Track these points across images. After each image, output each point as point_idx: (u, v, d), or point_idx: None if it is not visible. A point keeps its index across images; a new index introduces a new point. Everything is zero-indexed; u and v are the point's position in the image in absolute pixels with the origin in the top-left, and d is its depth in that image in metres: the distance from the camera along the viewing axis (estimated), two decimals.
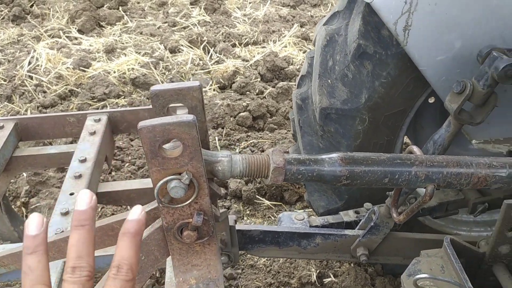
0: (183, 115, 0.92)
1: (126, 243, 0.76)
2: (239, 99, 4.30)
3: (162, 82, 4.51)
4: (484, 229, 2.59)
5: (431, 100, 2.40)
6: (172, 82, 4.53)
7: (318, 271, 2.70)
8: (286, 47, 5.09)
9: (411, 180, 1.13)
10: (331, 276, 2.66)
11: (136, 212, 0.77)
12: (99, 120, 2.70)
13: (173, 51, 5.03)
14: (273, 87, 4.51)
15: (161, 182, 0.96)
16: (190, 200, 1.01)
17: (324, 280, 2.67)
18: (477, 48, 1.76)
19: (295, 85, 4.47)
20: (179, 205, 1.02)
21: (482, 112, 1.69)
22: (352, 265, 2.69)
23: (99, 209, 3.12)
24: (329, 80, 2.17)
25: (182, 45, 5.05)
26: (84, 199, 0.75)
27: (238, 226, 2.02)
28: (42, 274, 0.71)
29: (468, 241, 1.92)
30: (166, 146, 1.02)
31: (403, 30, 1.82)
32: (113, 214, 3.14)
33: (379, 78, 2.04)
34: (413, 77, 2.02)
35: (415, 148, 1.22)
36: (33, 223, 0.72)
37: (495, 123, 2.00)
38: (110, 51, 4.97)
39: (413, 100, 2.12)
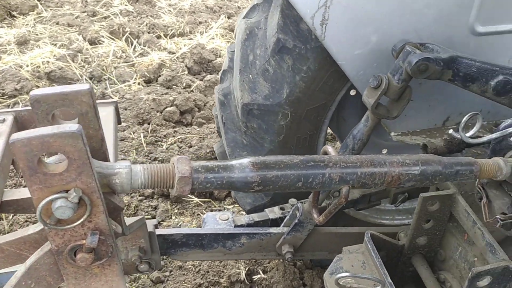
0: (66, 125, 0.81)
1: None
2: (166, 93, 4.14)
3: (81, 76, 4.25)
4: (406, 216, 2.67)
5: (353, 92, 2.42)
6: (93, 76, 4.28)
7: (247, 269, 2.66)
8: (213, 39, 4.97)
9: (325, 182, 1.10)
10: (260, 272, 2.63)
11: None
12: (4, 120, 2.45)
13: (93, 42, 4.75)
14: (201, 80, 4.39)
15: (44, 202, 0.84)
16: (82, 220, 0.90)
17: (253, 277, 2.63)
18: (392, 42, 1.76)
19: None
20: (69, 226, 0.90)
21: (398, 106, 1.71)
22: (281, 260, 2.67)
23: (10, 217, 2.87)
24: (250, 75, 2.11)
25: (102, 36, 4.78)
26: None
27: (159, 231, 1.92)
28: None
29: (389, 232, 1.95)
30: (52, 159, 0.89)
31: (320, 24, 1.78)
32: (26, 221, 2.90)
33: (300, 72, 2.00)
34: (333, 71, 2.00)
35: (329, 148, 1.19)
36: None
37: (412, 116, 2.04)
38: (22, 43, 4.59)
39: (334, 93, 2.11)
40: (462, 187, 1.69)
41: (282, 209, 2.19)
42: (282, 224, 2.07)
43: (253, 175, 1.04)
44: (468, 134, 1.32)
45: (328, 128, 2.67)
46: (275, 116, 2.12)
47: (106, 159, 1.02)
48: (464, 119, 1.29)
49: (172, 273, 2.77)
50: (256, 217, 2.16)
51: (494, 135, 1.31)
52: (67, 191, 0.86)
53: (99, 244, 0.94)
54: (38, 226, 1.04)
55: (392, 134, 2.07)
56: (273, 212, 2.18)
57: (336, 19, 1.78)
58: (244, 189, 1.06)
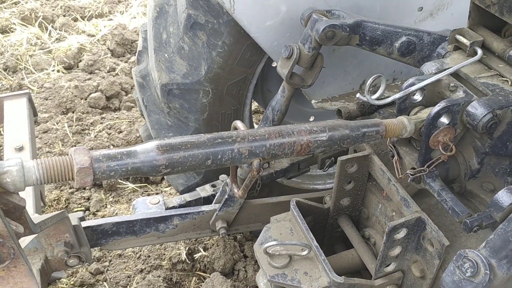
0: None
1: None
2: (89, 79, 3.96)
3: None
4: None
5: (274, 64, 2.43)
6: (7, 66, 4.01)
7: (187, 248, 2.66)
8: (135, 18, 4.79)
9: (235, 157, 1.10)
10: (201, 250, 2.65)
11: None
12: None
13: (4, 31, 4.43)
14: (125, 62, 4.24)
15: None
16: None
17: (194, 255, 2.64)
18: (301, 11, 1.77)
19: None
20: None
21: (312, 74, 1.74)
22: (221, 236, 2.69)
23: None
24: (166, 54, 2.06)
25: (14, 24, 4.46)
26: None
27: (86, 223, 1.86)
28: None
29: (316, 197, 2.02)
30: None
31: None
32: None
33: (215, 48, 1.98)
34: (249, 44, 2.00)
35: (239, 124, 1.19)
36: None
37: (330, 82, 2.09)
38: None
39: (253, 66, 2.11)
40: (379, 147, 1.77)
41: (213, 186, 2.19)
42: (214, 201, 2.07)
43: (159, 158, 1.03)
44: (374, 96, 1.37)
45: (255, 101, 2.69)
46: (196, 94, 2.09)
47: None
48: (369, 82, 1.33)
49: (111, 262, 2.72)
50: (188, 197, 2.15)
51: (397, 95, 1.37)
52: None
53: None
54: None
55: (312, 101, 2.11)
56: (204, 190, 2.18)
57: None
58: (152, 173, 1.04)
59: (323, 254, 1.51)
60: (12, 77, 3.97)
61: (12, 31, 4.42)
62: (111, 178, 1.03)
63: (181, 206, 2.11)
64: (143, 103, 2.27)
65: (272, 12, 1.82)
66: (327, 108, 2.10)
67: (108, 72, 4.11)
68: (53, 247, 1.68)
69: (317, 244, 1.55)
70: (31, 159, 1.09)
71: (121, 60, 4.30)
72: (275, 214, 1.76)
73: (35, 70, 4.03)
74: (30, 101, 2.43)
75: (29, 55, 4.16)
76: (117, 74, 4.10)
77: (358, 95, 1.39)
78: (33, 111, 2.50)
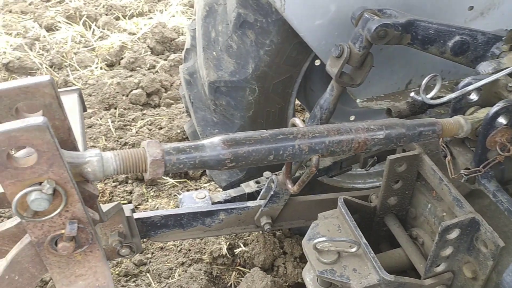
0: (31, 118, 0.80)
1: None
2: (130, 76, 4.07)
3: (41, 65, 4.11)
4: (376, 179, 2.76)
5: (317, 63, 2.44)
6: (53, 63, 4.15)
7: (228, 243, 2.71)
8: (174, 16, 4.88)
9: (296, 153, 1.13)
10: (241, 245, 2.69)
11: None
12: None
13: (50, 29, 4.59)
14: (165, 60, 4.33)
15: (18, 196, 0.85)
16: (59, 210, 0.91)
17: (235, 251, 2.69)
18: (351, 10, 1.78)
19: None
20: (46, 217, 0.91)
21: (361, 73, 1.74)
22: (260, 232, 2.73)
23: None
24: (214, 53, 2.10)
25: (59, 22, 4.62)
26: None
27: (137, 215, 1.93)
28: None
29: (361, 195, 2.02)
30: (21, 152, 0.89)
31: None
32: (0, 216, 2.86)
33: (263, 46, 2.01)
34: (296, 43, 2.02)
35: (297, 121, 1.22)
36: None
37: (376, 81, 2.09)
38: None
39: (299, 65, 2.14)
40: (428, 147, 1.76)
41: (257, 182, 2.22)
42: (259, 197, 2.11)
43: (225, 153, 1.07)
44: (429, 96, 1.37)
45: (297, 99, 2.71)
46: (243, 91, 2.13)
47: (75, 148, 1.02)
48: (424, 81, 1.34)
49: (154, 254, 2.80)
50: (232, 192, 2.19)
51: (453, 95, 1.37)
52: (40, 183, 0.87)
53: (79, 232, 0.95)
54: (15, 220, 1.04)
55: (357, 100, 2.12)
56: (249, 186, 2.21)
57: None
58: (217, 166, 1.08)
59: (372, 252, 1.52)
60: (58, 73, 4.11)
61: (58, 29, 4.57)
62: (179, 171, 1.07)
63: (226, 201, 2.15)
64: (190, 100, 2.32)
65: (321, 12, 1.83)
66: (372, 107, 2.10)
67: (149, 69, 4.21)
68: (108, 236, 1.74)
69: (366, 241, 1.56)
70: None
71: (160, 58, 4.40)
72: (318, 211, 1.78)
73: (79, 67, 4.17)
74: (80, 96, 2.51)
75: (74, 53, 4.30)
76: (157, 71, 4.19)
77: (412, 94, 1.40)
78: (83, 107, 2.59)
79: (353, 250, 1.55)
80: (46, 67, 4.10)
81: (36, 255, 0.99)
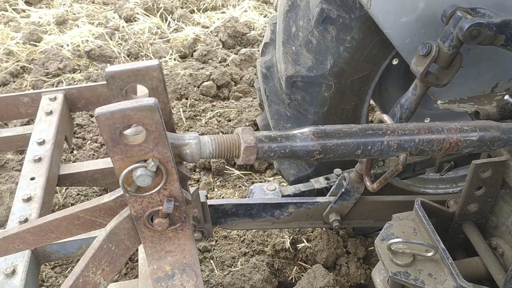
0: (143, 98, 0.86)
1: None
2: (202, 68, 4.18)
3: (119, 54, 4.33)
4: (449, 185, 2.66)
5: (395, 61, 2.39)
6: (130, 53, 4.35)
7: (291, 238, 2.73)
8: (246, 11, 4.95)
9: (384, 150, 1.12)
10: (304, 241, 2.70)
11: None
12: (55, 98, 2.56)
13: (129, 20, 4.81)
14: (236, 54, 4.40)
15: (126, 171, 0.91)
16: (159, 187, 0.96)
17: (297, 245, 2.70)
18: (441, 8, 1.73)
19: (258, 51, 4.38)
20: (147, 193, 0.97)
21: (448, 73, 1.69)
22: (324, 229, 2.72)
23: (63, 190, 3.02)
24: (293, 47, 2.12)
25: (137, 13, 4.83)
26: None
27: (210, 201, 1.99)
28: None
29: (436, 200, 1.96)
30: (127, 131, 0.95)
31: None
32: (78, 194, 3.05)
33: (344, 43, 2.00)
34: (377, 40, 1.99)
35: (385, 117, 1.20)
36: None
37: (459, 83, 2.01)
38: (61, 23, 4.70)
39: (378, 63, 2.10)
40: None
41: (327, 179, 2.22)
42: (329, 194, 2.10)
43: (314, 144, 1.08)
44: None
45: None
46: (319, 87, 2.13)
47: (174, 130, 1.07)
48: None
49: (217, 242, 2.87)
50: (302, 187, 2.20)
51: None
52: (145, 161, 0.92)
53: (174, 210, 1.00)
54: (113, 195, 1.11)
55: (438, 102, 2.05)
56: (318, 182, 2.22)
57: None
58: (306, 157, 1.09)
59: (450, 258, 1.48)
60: None
61: (136, 20, 4.79)
62: (270, 159, 1.10)
63: (295, 195, 2.16)
64: (265, 93, 2.36)
65: (408, 9, 1.79)
66: (454, 109, 2.02)
67: (220, 62, 4.30)
68: None
69: (443, 246, 1.52)
70: None
71: (231, 52, 4.48)
72: (389, 213, 1.74)
73: (154, 57, 4.33)
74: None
75: (150, 43, 4.48)
76: (227, 65, 4.28)
77: (506, 97, 1.33)
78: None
79: (429, 254, 1.52)
80: (124, 56, 4.31)
81: (132, 229, 1.06)
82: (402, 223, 1.66)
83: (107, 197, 1.13)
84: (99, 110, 0.83)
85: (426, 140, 1.15)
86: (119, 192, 1.11)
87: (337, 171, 2.21)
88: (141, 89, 1.05)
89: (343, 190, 1.99)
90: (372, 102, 3.15)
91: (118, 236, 1.06)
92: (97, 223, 1.20)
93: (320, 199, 2.08)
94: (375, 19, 1.82)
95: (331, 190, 2.10)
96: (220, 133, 3.55)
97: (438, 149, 1.17)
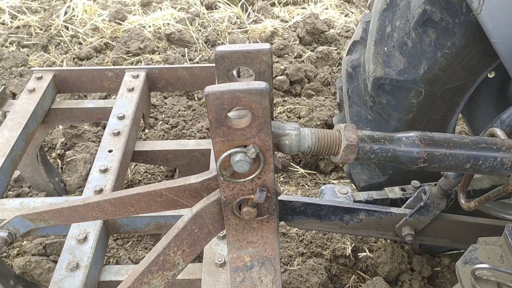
0: (254, 82, 0.82)
1: None
2: (277, 62, 4.15)
3: (197, 40, 4.39)
4: None
5: (491, 74, 2.23)
6: (208, 40, 4.40)
7: (353, 245, 2.64)
8: (327, 9, 4.86)
9: (496, 166, 1.02)
10: (366, 250, 2.60)
11: None
12: (137, 76, 2.63)
13: (210, 7, 4.87)
14: (312, 51, 4.33)
15: (225, 154, 0.88)
16: (254, 175, 0.93)
17: (358, 254, 2.61)
18: None
19: (335, 50, 4.28)
20: (241, 180, 0.93)
21: None
22: (388, 241, 2.61)
23: (132, 166, 3.10)
24: (385, 48, 2.02)
25: (219, 2, 4.88)
26: None
27: (280, 197, 1.94)
28: None
29: None
30: (230, 114, 0.92)
31: None
32: (146, 172, 3.12)
33: (443, 48, 1.87)
34: (480, 49, 1.85)
35: (498, 131, 1.10)
36: None
37: None
38: (146, 5, 4.85)
39: (476, 74, 1.96)
40: None
41: (403, 190, 2.11)
42: (404, 205, 1.99)
43: (419, 151, 1.00)
44: None
45: None
46: (408, 93, 2.02)
47: (273, 119, 1.03)
48: None
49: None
50: (375, 194, 2.10)
51: None
52: (245, 146, 0.89)
53: (264, 201, 0.96)
54: (200, 177, 1.09)
55: None
56: (393, 192, 2.11)
57: None
58: (408, 164, 1.02)
59: None
60: (211, 50, 4.35)
61: (217, 8, 4.83)
62: (370, 160, 1.03)
63: (367, 202, 2.07)
64: (348, 93, 2.27)
65: None
66: None
67: (295, 58, 4.25)
68: None
69: None
70: None
71: (307, 48, 4.41)
72: (468, 234, 1.62)
73: None
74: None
75: (228, 32, 4.51)
76: (303, 61, 4.21)
77: None
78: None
79: None
80: (201, 43, 4.37)
81: (217, 214, 1.03)
82: (489, 248, 1.53)
83: (194, 179, 1.11)
84: (209, 89, 0.81)
85: None
86: (207, 174, 1.09)
87: (415, 183, 2.09)
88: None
89: (421, 204, 1.88)
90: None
91: (202, 219, 1.04)
92: (179, 203, 1.19)
93: (394, 209, 1.98)
94: (483, 26, 1.69)
95: (407, 202, 1.99)
96: None
97: None
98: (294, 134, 0.96)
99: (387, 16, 2.02)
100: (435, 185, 1.87)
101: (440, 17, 1.82)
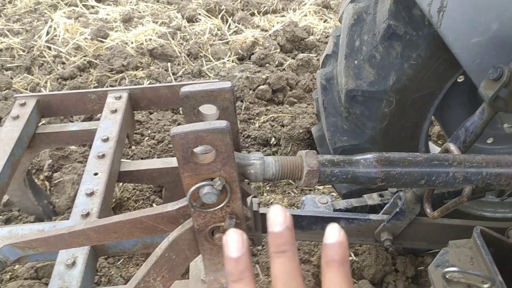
0: (216, 121, 0.89)
1: (335, 274, 0.63)
2: (258, 71, 4.22)
3: (180, 53, 4.45)
4: (509, 210, 2.55)
5: (460, 79, 2.32)
6: (191, 53, 4.46)
7: None
8: (306, 16, 4.94)
9: (449, 181, 1.10)
10: (352, 255, 2.67)
11: (334, 234, 0.64)
12: (120, 97, 2.68)
13: (191, 20, 4.93)
14: (293, 58, 4.41)
15: (194, 188, 0.95)
16: (222, 205, 1.00)
17: None
18: None
19: (315, 57, 4.37)
20: (211, 209, 1.00)
21: None
22: (385, 247, 2.68)
23: (121, 185, 3.15)
24: (355, 61, 2.10)
25: (199, 14, 4.95)
26: (277, 218, 0.64)
27: (262, 210, 2.01)
28: None
29: (495, 227, 1.89)
30: (197, 148, 0.99)
31: (438, 11, 1.73)
32: (134, 189, 3.17)
33: (409, 59, 1.96)
34: (444, 59, 1.94)
35: (452, 147, 1.18)
36: (232, 242, 0.63)
37: None
38: (127, 21, 4.90)
39: (443, 82, 2.05)
40: None
41: (381, 196, 2.18)
42: (382, 212, 2.07)
43: (377, 171, 1.07)
44: None
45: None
46: (379, 103, 2.10)
47: (239, 149, 1.10)
48: None
49: (264, 247, 2.90)
50: (354, 202, 2.18)
51: None
52: (212, 179, 0.96)
53: (235, 227, 1.03)
54: (176, 205, 1.16)
55: (505, 125, 1.97)
56: (372, 199, 2.19)
57: (454, 6, 1.71)
58: (367, 184, 1.09)
59: None
60: (193, 63, 4.41)
61: (197, 21, 4.90)
62: (331, 183, 1.11)
63: (347, 210, 2.15)
64: (323, 104, 2.35)
65: (480, 30, 1.73)
66: None
67: (277, 66, 4.32)
68: None
69: (501, 279, 1.46)
70: None
71: (288, 56, 4.49)
72: (443, 235, 1.70)
73: (213, 59, 4.43)
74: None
75: (210, 44, 4.58)
76: (284, 69, 4.29)
77: None
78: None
79: (485, 286, 1.46)
80: (184, 56, 4.43)
81: (193, 240, 1.10)
82: (459, 251, 1.61)
83: (171, 206, 1.18)
84: (174, 130, 0.88)
85: (494, 174, 1.11)
86: (182, 202, 1.16)
87: (392, 189, 2.16)
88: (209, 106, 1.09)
89: (397, 209, 1.95)
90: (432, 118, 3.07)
91: (179, 246, 1.10)
92: (158, 229, 1.25)
93: (372, 216, 2.05)
94: (444, 38, 1.78)
95: (385, 208, 2.07)
96: (273, 138, 3.57)
97: (506, 183, 1.13)
98: (259, 164, 1.03)
99: (356, 31, 2.11)
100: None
101: (404, 31, 1.91)
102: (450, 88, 2.34)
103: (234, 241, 0.63)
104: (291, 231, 0.65)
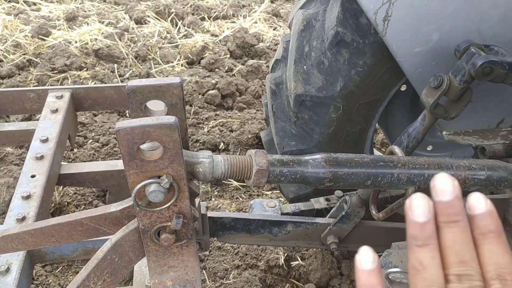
0: (164, 116, 0.86)
1: (494, 245, 0.60)
2: (208, 76, 4.19)
3: (127, 55, 4.34)
4: None
5: (403, 88, 2.41)
6: (138, 55, 4.36)
7: (285, 254, 2.72)
8: (256, 23, 4.98)
9: (393, 182, 1.13)
10: (299, 259, 2.69)
11: (481, 203, 0.62)
12: (62, 97, 2.57)
13: (139, 22, 4.83)
14: (243, 64, 4.42)
15: (139, 185, 0.91)
16: (169, 204, 0.96)
17: (291, 263, 2.70)
18: (454, 42, 1.75)
19: (265, 63, 4.40)
20: (157, 208, 0.97)
21: (457, 107, 1.70)
22: (319, 249, 2.72)
23: (60, 188, 3.00)
24: (304, 67, 2.13)
25: (148, 16, 4.85)
26: (446, 187, 0.61)
27: (210, 213, 1.98)
28: (437, 274, 0.59)
29: None
30: (143, 145, 0.95)
31: (383, 20, 1.79)
32: (75, 193, 3.03)
33: (356, 66, 2.01)
34: (389, 67, 2.01)
35: (396, 149, 1.21)
36: (418, 206, 0.61)
37: (465, 116, 2.02)
38: (71, 19, 4.72)
39: (388, 89, 2.12)
40: None
41: (327, 200, 2.22)
42: (328, 215, 2.10)
43: (325, 171, 1.08)
44: None
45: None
46: (327, 108, 2.14)
47: (188, 147, 1.07)
48: None
49: (211, 253, 2.86)
50: (302, 206, 2.19)
51: None
52: (159, 177, 0.92)
53: (181, 227, 1.00)
54: (120, 205, 1.11)
55: (444, 133, 2.07)
56: (318, 203, 2.21)
57: (399, 16, 1.78)
58: (315, 184, 1.10)
59: None
60: (141, 65, 4.31)
61: (146, 23, 4.80)
62: (280, 183, 1.10)
63: (294, 213, 2.16)
64: (272, 109, 2.36)
65: (423, 40, 1.81)
66: (458, 142, 2.04)
67: (226, 72, 4.32)
68: None
69: None
70: None
71: (238, 62, 4.50)
72: (388, 239, 1.74)
73: (162, 62, 4.35)
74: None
75: (159, 47, 4.50)
76: (233, 75, 4.29)
77: None
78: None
79: None
80: (131, 58, 4.32)
81: (137, 241, 1.05)
82: (401, 252, 1.66)
83: (114, 207, 1.13)
84: (119, 125, 0.84)
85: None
86: (126, 203, 1.11)
87: (338, 193, 2.20)
88: (158, 103, 1.05)
89: (343, 213, 1.99)
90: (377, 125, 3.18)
91: (122, 248, 1.05)
92: (101, 231, 1.19)
93: (319, 220, 2.08)
94: (389, 47, 1.84)
95: (331, 212, 2.10)
96: (222, 143, 3.55)
97: None
98: (207, 162, 1.01)
99: (305, 37, 2.14)
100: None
101: (351, 38, 1.96)
102: (394, 96, 2.43)
103: (420, 205, 0.61)
104: (461, 200, 0.62)
